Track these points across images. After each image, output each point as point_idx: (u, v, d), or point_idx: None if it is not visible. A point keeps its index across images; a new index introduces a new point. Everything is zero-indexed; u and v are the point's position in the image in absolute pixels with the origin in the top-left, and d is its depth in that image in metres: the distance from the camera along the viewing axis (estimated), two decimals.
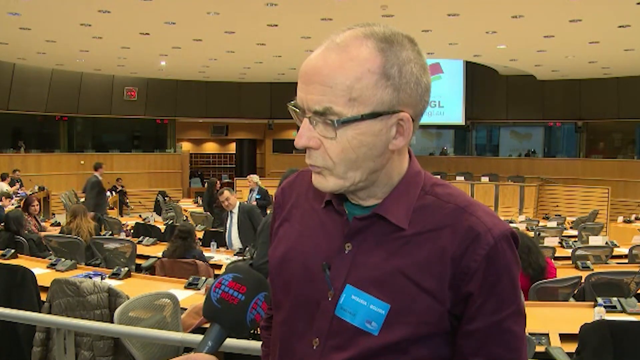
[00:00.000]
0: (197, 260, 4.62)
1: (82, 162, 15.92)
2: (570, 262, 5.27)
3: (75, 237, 5.49)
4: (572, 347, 2.72)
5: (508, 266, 0.90)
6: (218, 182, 11.27)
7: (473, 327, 0.89)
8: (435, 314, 0.89)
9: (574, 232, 8.24)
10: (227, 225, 6.15)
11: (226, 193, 6.04)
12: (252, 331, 2.81)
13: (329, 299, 0.93)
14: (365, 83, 0.86)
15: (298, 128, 0.93)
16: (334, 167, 0.90)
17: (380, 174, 0.93)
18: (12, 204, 9.16)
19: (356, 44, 0.87)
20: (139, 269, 5.15)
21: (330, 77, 0.86)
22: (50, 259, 4.76)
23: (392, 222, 0.92)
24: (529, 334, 2.60)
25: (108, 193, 12.96)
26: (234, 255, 5.49)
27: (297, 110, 0.91)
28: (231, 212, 6.10)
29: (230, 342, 2.21)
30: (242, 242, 5.91)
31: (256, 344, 2.15)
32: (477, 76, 16.23)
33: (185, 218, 9.43)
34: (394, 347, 0.89)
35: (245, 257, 5.15)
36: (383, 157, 0.91)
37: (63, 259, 4.65)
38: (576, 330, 2.68)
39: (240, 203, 6.17)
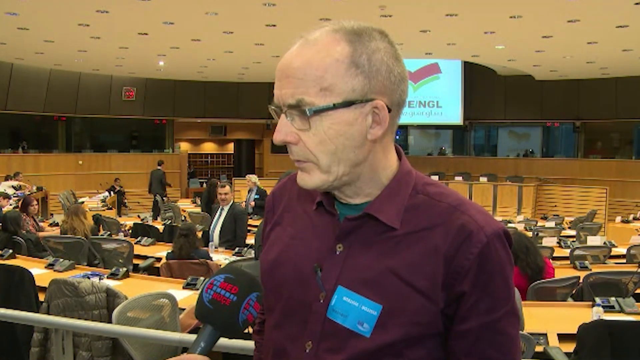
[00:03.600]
0: (208, 261, 4.62)
1: (81, 162, 15.91)
2: (569, 262, 5.28)
3: (78, 237, 5.49)
4: (570, 347, 2.73)
5: (501, 265, 0.89)
6: (218, 182, 11.26)
7: (466, 327, 0.88)
8: (428, 314, 0.88)
9: (572, 232, 8.25)
10: (214, 220, 6.22)
11: (228, 187, 6.14)
12: (245, 331, 2.81)
13: (321, 301, 0.92)
14: (335, 72, 0.87)
15: None
16: (316, 160, 0.90)
17: (364, 167, 0.92)
18: (11, 204, 9.14)
19: (324, 38, 0.89)
20: (136, 269, 5.15)
21: (301, 69, 0.87)
22: (48, 259, 4.75)
23: (383, 222, 0.92)
24: (528, 333, 2.60)
25: (107, 193, 12.98)
26: (233, 255, 5.49)
27: (276, 109, 0.92)
28: (222, 208, 6.16)
29: (228, 342, 2.21)
30: (221, 240, 5.99)
31: (253, 344, 2.14)
32: (475, 76, 16.24)
33: (183, 218, 9.43)
34: (387, 349, 0.88)
35: (245, 257, 5.15)
36: (363, 148, 0.90)
37: (61, 259, 4.64)
38: (574, 330, 2.68)
39: (233, 203, 6.20)
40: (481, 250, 0.88)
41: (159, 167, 14.42)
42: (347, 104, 0.87)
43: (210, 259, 4.84)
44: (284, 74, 0.90)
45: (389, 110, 0.90)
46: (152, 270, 5.10)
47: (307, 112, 0.87)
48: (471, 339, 0.89)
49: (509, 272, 0.91)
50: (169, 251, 4.93)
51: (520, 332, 2.42)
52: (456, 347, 0.90)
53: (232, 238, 6.00)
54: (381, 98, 0.89)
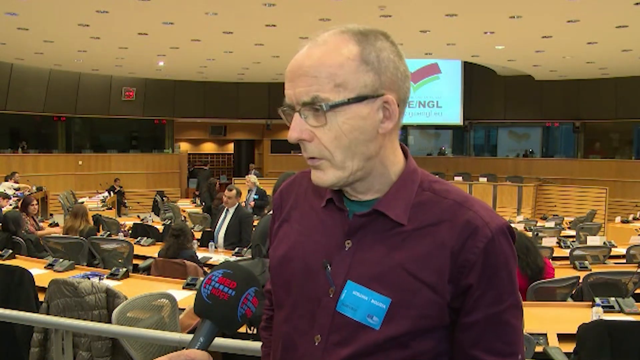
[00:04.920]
0: (185, 261, 4.59)
1: (80, 162, 15.90)
2: (568, 262, 5.28)
3: (77, 237, 5.49)
4: (570, 347, 2.73)
5: (506, 259, 0.92)
6: (217, 182, 11.28)
7: (471, 320, 0.91)
8: (435, 308, 0.90)
9: (572, 232, 8.25)
10: (219, 222, 6.20)
11: (234, 192, 6.10)
12: (249, 329, 2.80)
13: (330, 296, 0.95)
14: (347, 69, 0.90)
15: None
16: (331, 156, 0.92)
17: (376, 162, 0.95)
18: (10, 205, 9.14)
19: (334, 39, 0.93)
20: (136, 269, 5.15)
21: (314, 68, 0.90)
22: (47, 260, 4.75)
23: (391, 219, 0.94)
24: (528, 333, 2.60)
25: (106, 193, 12.98)
26: (233, 255, 5.49)
27: (287, 110, 0.94)
28: (227, 210, 6.15)
29: (228, 342, 2.21)
30: (225, 242, 5.98)
31: (254, 344, 2.15)
32: (475, 76, 16.24)
33: (183, 218, 9.42)
34: (395, 341, 0.91)
35: (244, 257, 5.15)
36: (375, 142, 0.94)
37: (61, 260, 4.64)
38: (574, 330, 2.68)
39: (239, 205, 6.19)
40: (486, 245, 0.90)
41: (205, 168, 16.72)
42: (360, 99, 0.90)
43: (197, 259, 4.80)
44: (296, 74, 0.92)
45: (397, 106, 0.93)
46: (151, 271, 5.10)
47: (324, 107, 0.90)
48: (477, 330, 0.91)
49: (512, 266, 0.93)
50: (161, 249, 4.94)
51: None
52: (462, 338, 0.92)
53: (237, 241, 5.97)
54: (390, 93, 0.93)
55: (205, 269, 5.05)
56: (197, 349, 0.90)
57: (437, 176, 1.03)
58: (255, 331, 2.73)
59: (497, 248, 0.91)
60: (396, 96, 0.93)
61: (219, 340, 2.20)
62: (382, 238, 0.94)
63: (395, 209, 0.94)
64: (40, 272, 4.32)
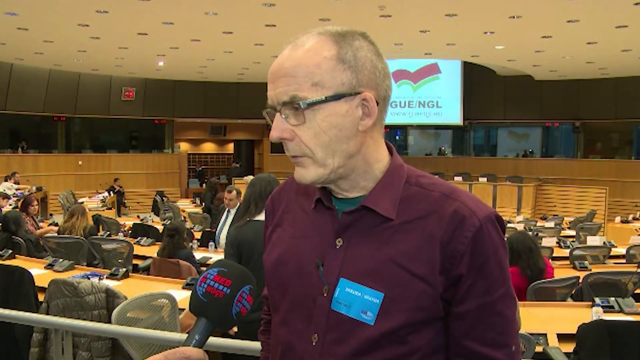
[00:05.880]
0: (180, 261, 4.59)
1: (80, 162, 15.91)
2: (568, 262, 5.28)
3: (78, 237, 5.49)
4: (569, 347, 2.73)
5: (495, 247, 0.92)
6: (218, 182, 11.28)
7: (463, 309, 0.91)
8: (428, 299, 0.91)
9: (572, 233, 8.25)
10: (221, 223, 6.18)
11: (234, 193, 6.08)
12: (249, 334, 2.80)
13: (325, 295, 0.95)
14: (325, 68, 0.92)
15: None
16: (312, 154, 0.94)
17: (358, 160, 0.96)
18: (10, 205, 9.14)
19: (312, 40, 0.95)
20: (136, 269, 5.15)
21: (293, 68, 0.92)
22: (47, 260, 4.75)
23: (380, 214, 0.95)
24: (528, 333, 2.60)
25: (106, 193, 12.98)
26: None
27: (270, 111, 0.96)
28: (229, 211, 6.13)
29: (228, 342, 2.21)
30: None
31: (254, 344, 2.15)
32: (475, 76, 16.24)
33: (183, 218, 9.42)
34: (391, 335, 0.91)
35: None
36: (356, 139, 0.94)
37: (61, 260, 4.64)
38: (574, 330, 2.68)
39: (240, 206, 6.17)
40: (475, 234, 0.91)
41: (237, 166, 18.21)
42: (338, 96, 0.92)
43: (193, 259, 4.80)
44: (276, 75, 0.94)
45: (377, 104, 0.94)
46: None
47: (301, 106, 0.91)
48: (469, 321, 0.91)
49: (502, 255, 0.94)
50: (159, 248, 4.95)
51: (520, 332, 2.42)
52: (455, 329, 0.92)
53: None
54: (369, 91, 0.94)
55: (203, 268, 5.05)
56: (193, 346, 0.90)
57: (424, 172, 1.04)
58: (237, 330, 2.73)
59: (485, 237, 0.91)
60: (375, 94, 0.94)
61: (218, 340, 2.20)
62: (372, 234, 0.95)
63: (382, 203, 0.95)
64: (40, 272, 4.31)
